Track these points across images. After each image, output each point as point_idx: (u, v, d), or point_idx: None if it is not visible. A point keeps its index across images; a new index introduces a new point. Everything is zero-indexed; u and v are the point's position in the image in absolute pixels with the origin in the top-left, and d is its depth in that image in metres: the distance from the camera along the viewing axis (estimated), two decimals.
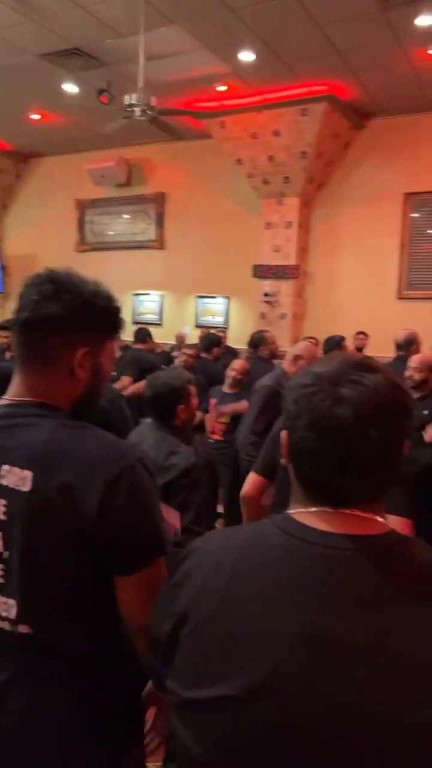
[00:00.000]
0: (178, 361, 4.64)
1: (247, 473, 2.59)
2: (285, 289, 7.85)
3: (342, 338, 5.44)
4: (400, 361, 4.07)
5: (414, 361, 3.68)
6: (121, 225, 9.70)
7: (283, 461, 0.88)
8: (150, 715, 1.24)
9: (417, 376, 3.61)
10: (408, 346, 4.29)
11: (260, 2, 5.07)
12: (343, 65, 6.16)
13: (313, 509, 0.82)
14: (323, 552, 0.77)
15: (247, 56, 6.13)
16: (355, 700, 0.69)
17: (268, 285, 7.90)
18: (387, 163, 7.39)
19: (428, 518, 1.71)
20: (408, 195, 7.34)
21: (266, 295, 7.89)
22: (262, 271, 7.93)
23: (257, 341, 5.16)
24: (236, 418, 4.03)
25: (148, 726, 1.24)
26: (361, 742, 0.68)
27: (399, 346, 4.37)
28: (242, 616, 0.76)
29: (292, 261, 7.80)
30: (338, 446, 0.77)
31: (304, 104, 6.95)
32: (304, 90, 6.79)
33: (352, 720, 0.69)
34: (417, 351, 4.28)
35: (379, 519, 0.82)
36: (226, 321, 8.76)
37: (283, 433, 0.86)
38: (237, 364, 4.41)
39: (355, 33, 5.47)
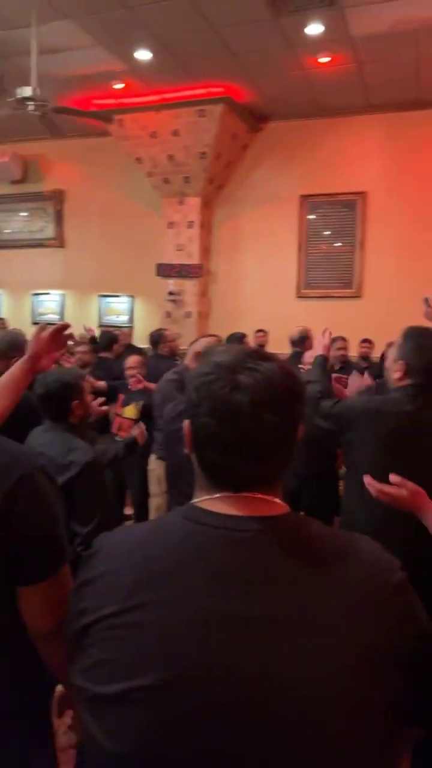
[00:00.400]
0: (73, 360, 4.52)
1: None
2: (189, 288, 7.91)
3: (243, 335, 5.56)
4: (296, 356, 4.25)
5: (308, 356, 3.83)
6: (18, 223, 9.35)
7: (186, 450, 0.90)
8: (67, 716, 1.22)
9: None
10: (302, 342, 4.48)
11: (155, 1, 5.08)
12: (238, 68, 6.30)
13: (217, 495, 0.84)
14: (227, 535, 0.79)
15: (143, 55, 6.11)
16: (268, 673, 0.72)
17: (172, 284, 7.93)
18: (283, 165, 7.63)
19: None
20: (304, 197, 7.63)
21: (171, 294, 7.92)
22: (165, 270, 7.93)
23: (156, 339, 5.18)
24: (144, 415, 4.01)
25: (64, 727, 1.22)
26: (278, 722, 0.71)
27: (294, 343, 4.55)
28: (150, 606, 0.76)
29: (195, 260, 7.87)
30: (237, 431, 0.80)
31: (201, 105, 7.03)
32: (202, 91, 6.87)
33: (266, 695, 0.71)
34: (310, 347, 4.47)
35: (278, 501, 0.85)
36: (131, 320, 8.69)
37: (186, 423, 0.88)
38: (129, 361, 4.34)
39: (248, 37, 5.61)
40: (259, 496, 0.84)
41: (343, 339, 5.39)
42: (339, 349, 5.21)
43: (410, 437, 1.97)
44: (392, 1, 4.96)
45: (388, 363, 2.16)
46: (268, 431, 0.81)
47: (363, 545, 0.86)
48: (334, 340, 5.41)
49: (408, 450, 1.95)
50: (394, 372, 2.06)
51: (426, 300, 4.68)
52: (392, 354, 2.11)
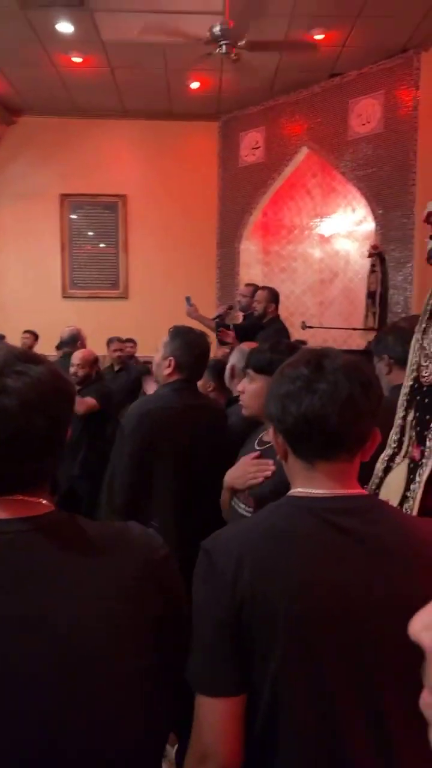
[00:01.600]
0: None
1: None
2: None
3: (2, 336, 5.33)
4: (66, 357, 4.20)
5: (76, 357, 3.82)
6: None
7: None
8: None
9: (80, 372, 3.77)
10: (72, 342, 4.45)
11: None
12: None
13: None
14: None
15: None
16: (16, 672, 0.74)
17: None
18: (41, 162, 7.43)
19: None
20: (64, 196, 7.52)
21: None
22: None
23: None
24: None
25: None
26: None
27: (64, 344, 4.50)
28: None
29: None
30: (5, 434, 0.80)
31: None
32: None
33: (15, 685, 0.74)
34: (82, 346, 4.47)
35: (44, 501, 0.87)
36: None
37: None
38: None
39: None
40: (25, 498, 0.85)
41: (119, 340, 5.46)
42: (114, 351, 5.29)
43: (179, 426, 2.11)
44: (140, 12, 5.16)
45: (157, 360, 2.27)
46: (37, 434, 0.82)
47: (129, 533, 0.91)
48: (109, 341, 5.49)
49: (178, 439, 2.09)
50: (164, 369, 2.18)
51: (187, 299, 4.99)
52: (161, 352, 2.23)
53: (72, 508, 1.04)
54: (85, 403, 3.55)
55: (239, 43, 5.12)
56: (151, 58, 5.96)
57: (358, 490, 0.98)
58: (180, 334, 2.21)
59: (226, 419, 2.21)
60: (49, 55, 5.93)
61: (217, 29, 5.04)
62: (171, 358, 2.17)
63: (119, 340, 5.54)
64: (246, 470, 1.67)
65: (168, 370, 2.17)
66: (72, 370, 3.74)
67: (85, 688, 0.77)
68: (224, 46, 5.09)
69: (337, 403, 0.92)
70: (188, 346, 2.17)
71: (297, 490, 0.99)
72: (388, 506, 1.08)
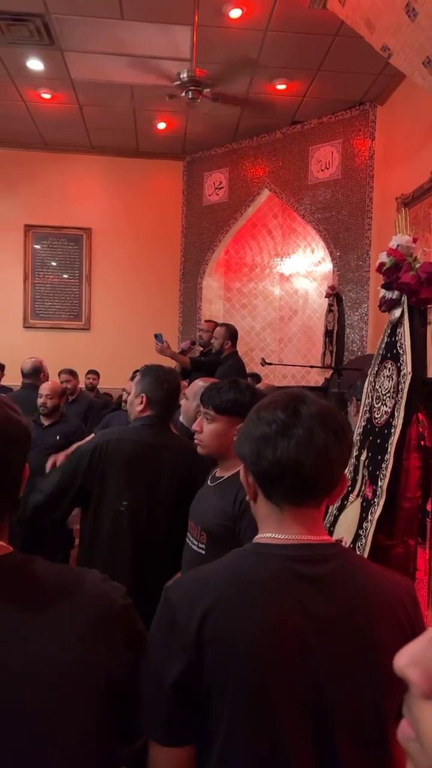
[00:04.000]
0: None
1: None
2: None
3: (2, 366, 5.26)
4: (29, 389, 4.16)
5: (45, 388, 3.82)
6: None
7: None
8: None
9: (50, 403, 3.77)
10: (35, 374, 4.41)
11: None
12: None
13: None
14: None
15: None
16: None
17: None
18: (6, 193, 7.44)
19: None
20: (28, 227, 7.54)
21: None
22: None
23: None
24: None
25: None
26: None
27: (26, 375, 4.45)
28: None
29: None
30: None
31: None
32: None
33: None
34: (45, 378, 4.44)
35: (2, 543, 0.88)
36: None
37: None
38: None
39: None
40: None
41: (69, 371, 5.44)
42: (63, 381, 5.25)
43: (141, 461, 2.12)
44: (110, 54, 5.31)
45: (130, 397, 2.31)
46: None
47: (87, 579, 0.91)
48: (60, 372, 5.47)
49: (137, 474, 2.10)
50: (136, 406, 2.21)
51: (157, 336, 5.04)
52: (133, 389, 2.27)
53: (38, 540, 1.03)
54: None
55: (205, 90, 5.31)
56: (119, 97, 6.12)
57: (324, 537, 0.99)
58: (151, 371, 2.26)
59: (200, 461, 2.17)
60: (19, 90, 6.02)
61: (184, 75, 5.22)
62: (142, 395, 2.20)
63: (70, 371, 5.51)
64: None
65: (140, 407, 2.20)
66: (41, 401, 3.73)
67: (18, 744, 0.75)
68: (190, 92, 5.27)
69: (312, 451, 0.93)
70: (158, 381, 2.21)
71: (264, 536, 0.98)
72: (353, 555, 1.10)
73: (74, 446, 2.93)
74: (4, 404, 0.88)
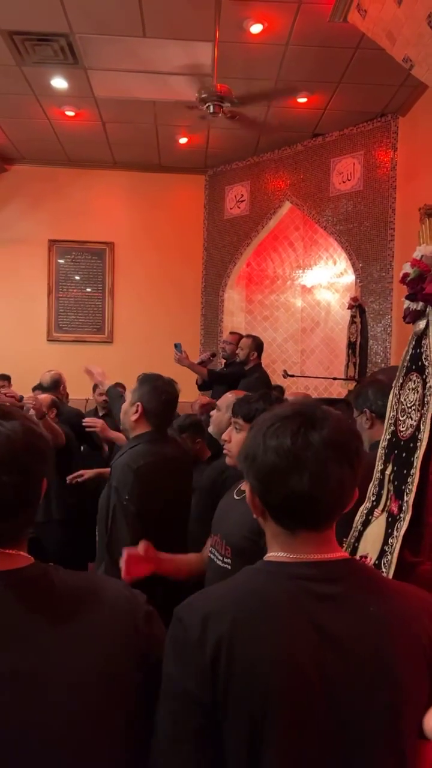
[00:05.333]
0: None
1: None
2: None
3: (7, 377, 5.33)
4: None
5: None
6: None
7: None
8: None
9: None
10: (55, 387, 4.45)
11: None
12: None
13: None
14: None
15: None
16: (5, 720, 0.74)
17: None
18: (31, 209, 7.57)
19: None
20: (52, 242, 7.65)
21: None
22: None
23: None
24: None
25: None
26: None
27: (46, 388, 4.50)
28: None
29: None
30: None
31: None
32: None
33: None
34: (64, 391, 4.47)
35: (22, 553, 0.88)
36: None
37: None
38: None
39: None
40: (5, 551, 0.85)
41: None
42: (100, 395, 5.28)
43: (164, 479, 2.12)
44: (132, 72, 5.39)
45: (125, 405, 2.26)
46: (7, 492, 0.82)
47: (108, 586, 0.91)
48: (95, 387, 5.51)
49: (163, 491, 2.10)
50: (131, 415, 2.17)
51: (177, 345, 5.05)
52: (128, 398, 2.23)
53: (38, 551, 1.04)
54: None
55: (226, 104, 5.35)
56: (141, 114, 6.19)
57: (338, 554, 0.96)
58: (148, 380, 2.20)
59: (197, 467, 2.20)
60: (43, 108, 6.13)
61: (205, 90, 5.27)
62: (138, 404, 2.15)
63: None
64: None
65: (135, 416, 2.15)
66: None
67: (46, 750, 0.76)
68: (212, 106, 5.31)
69: (325, 487, 0.89)
70: (156, 391, 2.15)
71: (275, 555, 0.95)
72: (368, 569, 1.06)
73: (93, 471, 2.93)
74: (25, 418, 0.89)
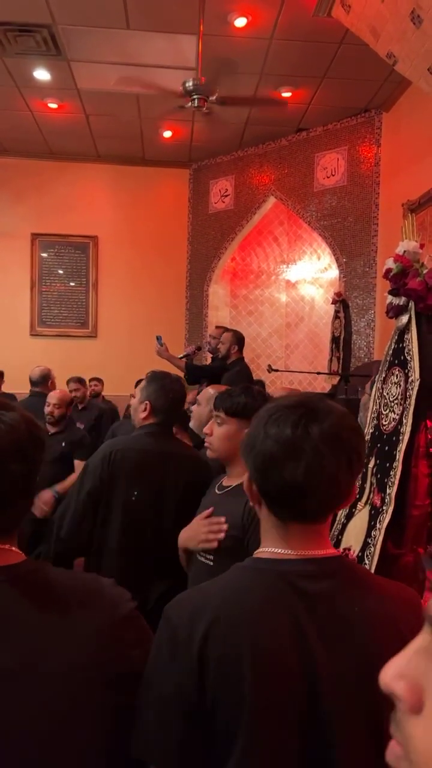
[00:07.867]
0: None
1: None
2: None
3: (1, 373, 5.30)
4: (37, 397, 4.16)
5: (53, 397, 3.82)
6: None
7: None
8: None
9: (56, 412, 3.76)
10: (44, 382, 4.42)
11: None
12: None
13: None
14: None
15: None
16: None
17: None
18: (13, 202, 7.49)
19: None
20: (35, 235, 7.58)
21: None
22: None
23: None
24: None
25: None
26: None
27: (34, 383, 4.46)
28: None
29: None
30: None
31: None
32: None
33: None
34: (53, 386, 4.44)
35: (14, 549, 0.88)
36: None
37: None
38: None
39: None
40: None
41: (78, 379, 5.47)
42: (72, 390, 5.27)
43: (148, 470, 2.12)
44: (116, 64, 5.35)
45: (134, 403, 2.30)
46: (12, 481, 0.83)
47: (96, 584, 0.92)
48: (69, 381, 5.50)
49: (145, 483, 2.09)
50: (140, 413, 2.20)
51: (158, 338, 5.03)
52: (137, 396, 2.26)
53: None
54: (40, 506, 3.33)
55: (210, 98, 5.33)
56: (125, 107, 6.15)
57: (328, 551, 0.96)
58: (156, 378, 2.24)
59: (202, 467, 2.17)
60: (26, 100, 6.06)
61: (189, 84, 5.25)
62: (147, 402, 2.19)
63: (78, 380, 5.56)
64: (198, 531, 1.66)
65: (143, 414, 2.19)
66: (48, 409, 3.72)
67: (39, 744, 0.77)
68: (196, 100, 5.29)
69: (319, 479, 0.89)
70: (164, 390, 2.20)
71: (266, 551, 0.96)
72: (356, 568, 1.06)
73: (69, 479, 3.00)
74: (21, 408, 0.91)
